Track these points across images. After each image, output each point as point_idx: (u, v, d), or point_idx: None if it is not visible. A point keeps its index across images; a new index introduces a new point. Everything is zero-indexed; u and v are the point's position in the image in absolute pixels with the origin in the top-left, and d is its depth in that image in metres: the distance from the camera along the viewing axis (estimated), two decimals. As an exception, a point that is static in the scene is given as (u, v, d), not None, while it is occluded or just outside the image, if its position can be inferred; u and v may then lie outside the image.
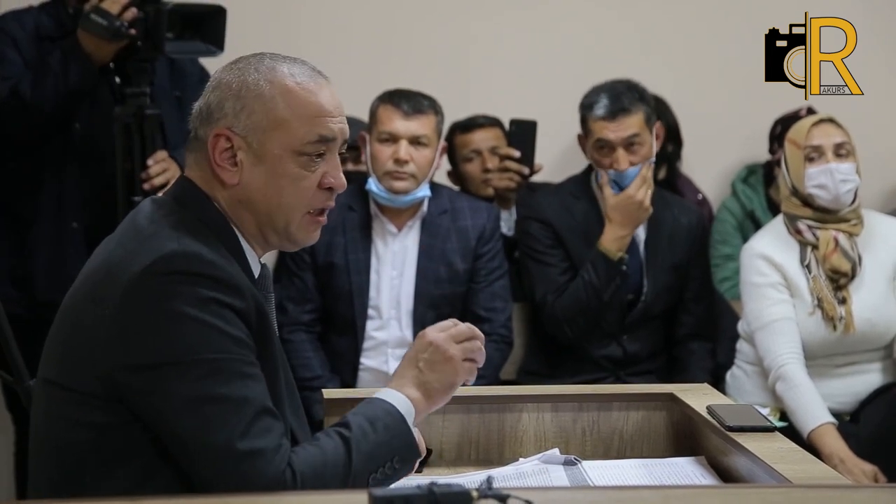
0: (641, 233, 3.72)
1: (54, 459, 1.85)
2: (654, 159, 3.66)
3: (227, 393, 1.76)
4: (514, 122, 3.94)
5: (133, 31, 3.38)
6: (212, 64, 3.72)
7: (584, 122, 3.65)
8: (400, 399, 1.91)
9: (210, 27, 3.46)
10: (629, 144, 3.58)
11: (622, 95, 3.61)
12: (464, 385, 2.01)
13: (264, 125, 1.88)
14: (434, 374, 1.94)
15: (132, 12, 3.39)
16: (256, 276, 1.94)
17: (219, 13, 3.48)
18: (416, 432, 1.91)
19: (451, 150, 4.08)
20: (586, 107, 3.64)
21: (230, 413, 1.75)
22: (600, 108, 3.59)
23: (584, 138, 3.68)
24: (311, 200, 1.92)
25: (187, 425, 1.76)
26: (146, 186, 3.44)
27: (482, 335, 2.00)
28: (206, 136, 1.90)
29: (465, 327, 1.99)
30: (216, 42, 3.46)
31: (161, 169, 3.47)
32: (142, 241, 1.83)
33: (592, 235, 3.66)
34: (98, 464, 1.80)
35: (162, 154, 3.49)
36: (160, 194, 2.00)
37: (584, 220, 3.71)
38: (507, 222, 3.91)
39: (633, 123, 3.58)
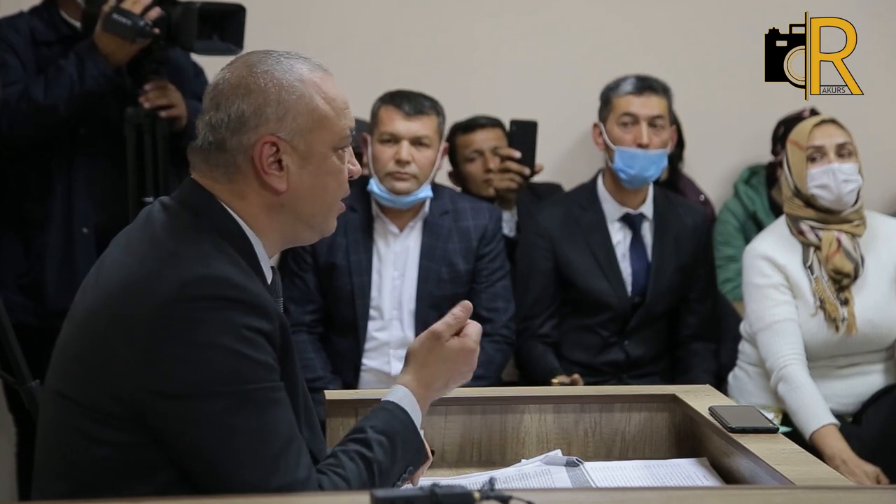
0: (649, 236, 3.73)
1: (67, 472, 1.82)
2: (665, 163, 3.71)
3: (259, 425, 1.75)
4: (514, 123, 3.94)
5: (157, 31, 3.38)
6: (209, 62, 3.73)
7: (607, 103, 3.72)
8: (416, 410, 1.94)
9: (231, 25, 3.46)
10: (653, 123, 3.65)
11: (648, 79, 3.74)
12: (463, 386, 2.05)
13: (309, 125, 1.87)
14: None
15: (156, 11, 3.38)
16: (269, 283, 1.92)
17: (239, 12, 3.47)
18: (422, 433, 1.94)
19: (453, 151, 4.08)
20: (611, 88, 3.74)
21: (261, 445, 1.75)
22: (628, 85, 3.70)
23: (601, 124, 3.72)
24: (344, 191, 1.95)
25: (219, 458, 1.75)
26: (146, 104, 3.43)
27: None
28: (244, 144, 1.85)
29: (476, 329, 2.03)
30: (236, 41, 3.45)
31: (160, 92, 3.47)
32: (165, 260, 1.80)
33: (594, 246, 3.68)
34: (117, 480, 1.78)
35: (162, 81, 3.49)
36: (167, 198, 1.94)
37: (589, 230, 3.72)
38: (509, 223, 3.90)
39: (658, 104, 3.68)
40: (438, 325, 2.00)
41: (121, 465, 1.78)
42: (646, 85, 3.69)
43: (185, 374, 1.74)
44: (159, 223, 1.86)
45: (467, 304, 2.02)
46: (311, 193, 1.89)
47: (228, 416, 1.74)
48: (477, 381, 3.50)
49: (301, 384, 1.91)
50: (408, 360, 2.00)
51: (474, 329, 2.02)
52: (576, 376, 3.48)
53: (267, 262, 1.93)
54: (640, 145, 3.62)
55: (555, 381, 3.44)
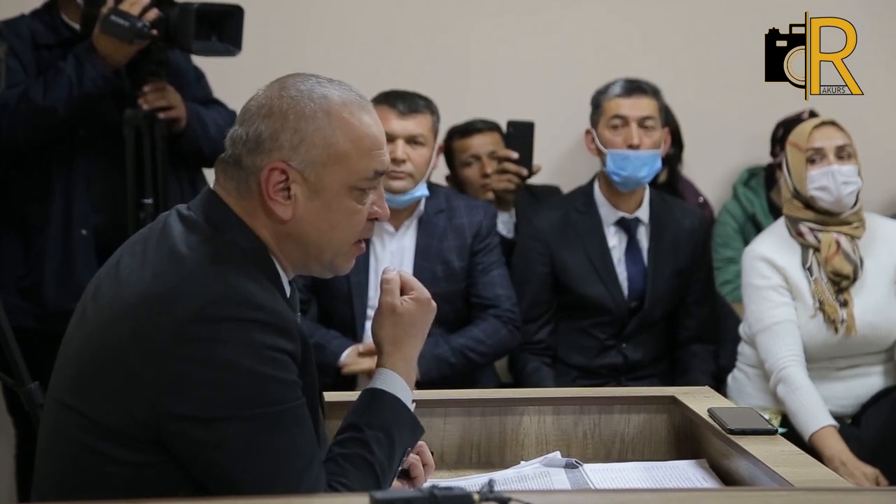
0: (645, 240, 3.73)
1: (72, 485, 1.78)
2: (659, 165, 3.69)
3: (284, 445, 1.74)
4: (511, 124, 3.94)
5: (155, 32, 3.38)
6: (210, 65, 3.73)
7: (597, 107, 3.70)
8: (405, 389, 1.92)
9: (229, 26, 3.45)
10: (643, 124, 3.64)
11: (637, 81, 3.72)
12: None
13: (324, 160, 1.83)
14: (426, 331, 2.00)
15: (153, 12, 3.38)
16: (288, 297, 1.90)
17: (237, 12, 3.47)
18: (412, 407, 1.94)
19: (450, 155, 4.08)
20: (601, 92, 3.73)
21: (285, 465, 1.74)
22: (616, 88, 3.69)
23: (592, 130, 3.71)
24: (360, 232, 1.90)
25: (243, 478, 1.73)
26: (145, 106, 3.42)
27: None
28: (257, 166, 1.83)
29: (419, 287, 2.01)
30: (234, 41, 3.45)
31: (158, 94, 3.46)
32: (184, 277, 1.77)
33: (590, 250, 3.68)
34: (131, 496, 1.74)
35: (161, 83, 3.48)
36: (183, 207, 1.91)
37: (585, 234, 3.71)
38: (507, 224, 3.90)
39: (647, 105, 3.66)
40: (385, 300, 1.98)
41: (137, 483, 1.75)
42: (634, 86, 3.68)
43: (209, 397, 1.72)
44: (178, 236, 1.83)
45: (387, 267, 2.02)
46: (317, 228, 1.86)
47: (253, 439, 1.73)
48: (480, 355, 3.53)
49: (318, 394, 1.90)
50: (378, 345, 1.97)
51: (410, 278, 2.00)
52: None
53: (286, 278, 1.90)
54: (631, 146, 3.61)
55: None
